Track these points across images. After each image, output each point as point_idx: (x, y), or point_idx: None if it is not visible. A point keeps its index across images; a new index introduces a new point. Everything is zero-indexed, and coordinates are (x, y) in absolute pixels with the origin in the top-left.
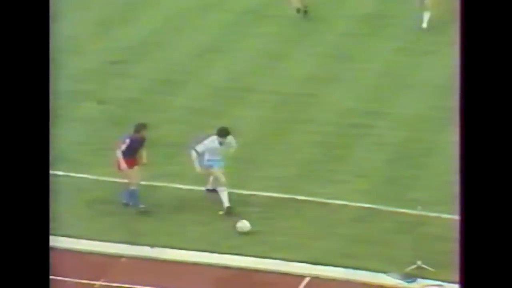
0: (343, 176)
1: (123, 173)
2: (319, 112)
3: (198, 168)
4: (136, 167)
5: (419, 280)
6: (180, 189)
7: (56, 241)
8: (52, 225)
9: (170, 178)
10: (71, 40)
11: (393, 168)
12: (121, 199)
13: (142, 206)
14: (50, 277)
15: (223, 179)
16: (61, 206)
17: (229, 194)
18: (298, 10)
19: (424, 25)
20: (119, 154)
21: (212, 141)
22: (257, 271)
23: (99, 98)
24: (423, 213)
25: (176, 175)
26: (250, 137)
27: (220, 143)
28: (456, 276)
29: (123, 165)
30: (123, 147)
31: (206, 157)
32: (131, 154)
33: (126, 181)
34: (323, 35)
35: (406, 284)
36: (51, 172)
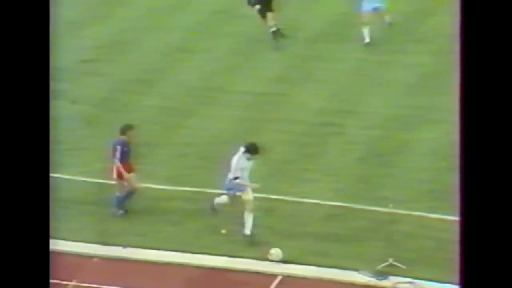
0: (315, 175)
1: (121, 180)
2: (290, 111)
3: (225, 198)
4: (132, 173)
5: (391, 278)
6: (152, 188)
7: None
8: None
9: (142, 178)
10: None
11: (364, 167)
12: (115, 205)
13: (121, 211)
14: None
15: (252, 203)
16: None
17: (200, 193)
18: (273, 34)
19: (367, 40)
20: (117, 163)
21: (240, 159)
22: (229, 270)
23: (71, 97)
24: (395, 211)
25: (148, 175)
26: (222, 137)
27: (248, 159)
28: (427, 273)
29: (125, 173)
30: (118, 154)
31: (234, 175)
32: (126, 158)
33: (123, 185)
34: (294, 35)
35: (377, 281)
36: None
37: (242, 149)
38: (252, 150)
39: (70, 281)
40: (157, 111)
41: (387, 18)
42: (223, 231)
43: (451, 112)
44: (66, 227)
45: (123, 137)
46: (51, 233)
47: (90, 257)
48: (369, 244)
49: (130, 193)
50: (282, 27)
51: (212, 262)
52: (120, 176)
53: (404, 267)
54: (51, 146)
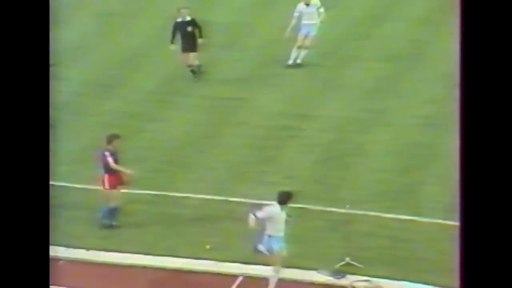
0: (273, 178)
1: (108, 191)
2: (248, 115)
3: (260, 247)
4: (119, 186)
5: (348, 276)
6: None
7: None
8: None
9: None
10: None
11: (321, 169)
12: (104, 218)
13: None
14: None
15: (280, 264)
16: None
17: (162, 197)
18: (193, 72)
19: (291, 62)
20: (117, 167)
21: (274, 208)
22: (191, 272)
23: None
24: (351, 211)
25: None
26: (182, 140)
27: (282, 210)
28: (384, 271)
29: (125, 177)
30: (111, 160)
31: (269, 231)
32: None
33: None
34: (251, 40)
35: (335, 280)
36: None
37: (275, 204)
38: (284, 199)
39: None
40: (117, 115)
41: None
42: (208, 247)
43: (404, 115)
44: None
45: (110, 147)
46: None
47: (56, 260)
48: (327, 244)
49: (109, 207)
50: (203, 66)
51: (173, 264)
52: (110, 185)
53: (361, 265)
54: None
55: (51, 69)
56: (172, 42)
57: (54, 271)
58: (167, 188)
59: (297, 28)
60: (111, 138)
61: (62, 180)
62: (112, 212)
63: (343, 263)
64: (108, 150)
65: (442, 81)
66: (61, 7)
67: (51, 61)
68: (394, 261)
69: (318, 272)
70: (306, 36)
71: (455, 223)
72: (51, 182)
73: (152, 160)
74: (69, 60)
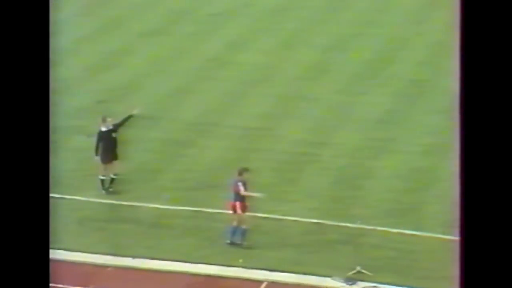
0: (295, 196)
1: (237, 215)
2: (273, 143)
3: None
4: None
5: (359, 283)
6: (158, 208)
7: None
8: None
9: (149, 199)
10: (66, 82)
11: (336, 189)
12: (230, 234)
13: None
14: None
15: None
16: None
17: (198, 212)
18: (103, 184)
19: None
20: (247, 194)
21: None
22: (221, 277)
23: (87, 132)
24: (362, 226)
25: (153, 197)
26: (217, 164)
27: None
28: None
29: (240, 211)
30: (242, 189)
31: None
32: (244, 197)
33: (240, 219)
34: (277, 78)
35: (347, 286)
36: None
37: None
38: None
39: (88, 287)
40: (160, 142)
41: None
42: (240, 261)
43: (408, 143)
44: (84, 241)
45: (241, 177)
46: (72, 247)
47: (105, 267)
48: (340, 254)
49: (241, 229)
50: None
51: (207, 270)
52: (235, 210)
53: (370, 273)
54: (71, 173)
55: (100, 105)
56: (96, 154)
57: (102, 277)
58: (203, 204)
59: None
60: (243, 171)
61: (112, 199)
62: (243, 233)
63: (354, 271)
64: (240, 180)
65: (441, 115)
66: (112, 54)
67: (105, 99)
68: (399, 269)
69: (333, 279)
70: None
71: (453, 237)
72: (103, 200)
73: (190, 180)
74: (120, 97)
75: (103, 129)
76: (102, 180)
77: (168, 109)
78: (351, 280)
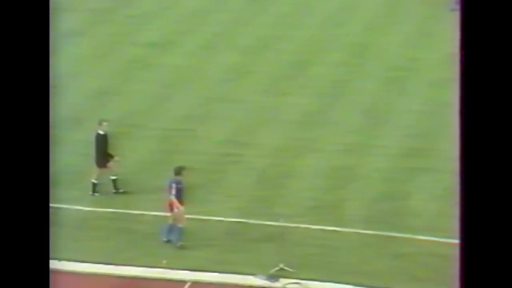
0: (218, 197)
1: (173, 213)
2: (197, 144)
3: None
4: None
5: (281, 280)
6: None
7: None
8: None
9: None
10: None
11: (259, 189)
12: (165, 233)
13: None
14: None
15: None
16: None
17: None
18: (94, 188)
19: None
20: (173, 198)
21: None
22: (146, 279)
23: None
24: (285, 224)
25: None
26: (140, 166)
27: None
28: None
29: (178, 207)
30: (173, 191)
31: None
32: (180, 195)
33: (175, 217)
34: (200, 79)
35: (271, 283)
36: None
37: None
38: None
39: None
40: (84, 144)
41: None
42: (164, 262)
43: (328, 142)
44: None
45: (178, 177)
46: None
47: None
48: (263, 252)
49: (176, 227)
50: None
51: (131, 272)
52: (172, 209)
53: (292, 270)
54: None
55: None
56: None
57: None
58: (126, 206)
59: None
60: (180, 170)
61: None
62: (180, 232)
63: (277, 268)
64: (176, 179)
65: (361, 114)
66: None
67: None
68: (321, 265)
69: (256, 277)
70: None
71: (375, 232)
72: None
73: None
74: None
75: (101, 132)
76: (94, 184)
77: (91, 110)
78: (274, 278)
